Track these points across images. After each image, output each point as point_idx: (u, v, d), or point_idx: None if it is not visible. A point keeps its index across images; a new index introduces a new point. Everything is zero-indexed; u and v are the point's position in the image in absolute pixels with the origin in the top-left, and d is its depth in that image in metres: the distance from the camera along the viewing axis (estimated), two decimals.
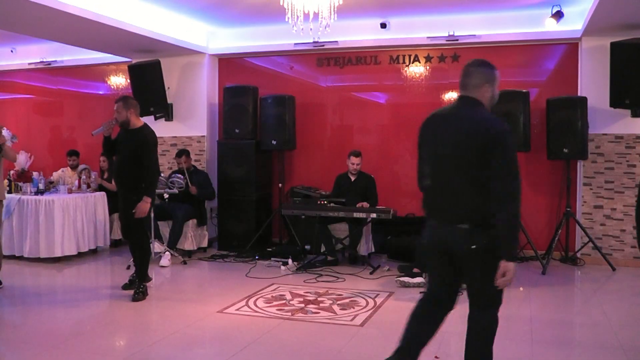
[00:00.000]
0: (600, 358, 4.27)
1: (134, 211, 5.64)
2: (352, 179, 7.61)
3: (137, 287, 5.79)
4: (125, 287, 6.04)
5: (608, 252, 7.35)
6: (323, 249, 7.40)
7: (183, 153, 8.09)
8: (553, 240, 7.37)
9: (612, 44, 6.74)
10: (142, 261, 5.86)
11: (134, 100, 6.03)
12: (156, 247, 7.37)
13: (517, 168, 3.11)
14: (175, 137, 9.05)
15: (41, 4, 5.98)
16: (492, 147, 3.09)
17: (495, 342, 4.56)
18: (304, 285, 6.32)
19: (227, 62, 9.21)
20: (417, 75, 8.40)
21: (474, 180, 3.13)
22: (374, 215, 6.94)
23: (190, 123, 9.04)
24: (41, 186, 7.83)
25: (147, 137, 5.76)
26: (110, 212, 8.26)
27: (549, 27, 7.34)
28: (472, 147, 3.13)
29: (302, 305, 5.53)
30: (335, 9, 5.77)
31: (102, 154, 8.70)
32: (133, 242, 5.88)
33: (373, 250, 7.62)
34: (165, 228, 7.70)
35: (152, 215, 7.05)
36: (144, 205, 5.65)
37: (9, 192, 7.89)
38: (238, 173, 8.38)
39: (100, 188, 8.42)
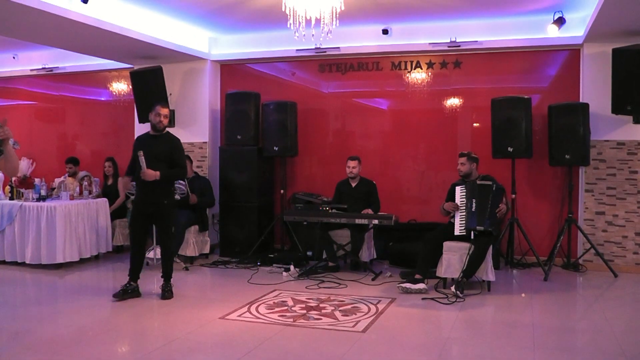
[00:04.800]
0: None
1: (165, 200, 6.04)
2: (353, 184, 7.61)
3: (166, 285, 6.08)
4: (117, 296, 5.96)
5: (610, 258, 7.33)
6: (324, 255, 7.39)
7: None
8: (555, 246, 7.36)
9: (614, 51, 6.74)
10: (170, 261, 6.18)
11: None
12: (158, 253, 7.36)
13: None
14: None
15: (43, 11, 6.01)
16: None
17: (497, 348, 4.57)
18: (306, 292, 6.31)
19: (229, 68, 9.23)
20: (419, 81, 8.42)
21: None
22: (375, 221, 6.94)
23: (192, 129, 9.05)
24: (43, 192, 7.83)
25: (178, 140, 6.24)
26: (113, 218, 8.27)
27: (551, 34, 7.36)
28: None
29: (304, 311, 5.52)
30: (337, 15, 5.78)
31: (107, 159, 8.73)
32: (164, 244, 6.16)
33: (375, 256, 7.62)
34: None
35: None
36: (154, 173, 5.85)
37: (11, 198, 7.91)
38: (240, 179, 8.38)
39: (104, 194, 8.44)
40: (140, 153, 5.82)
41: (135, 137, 6.61)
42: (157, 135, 6.10)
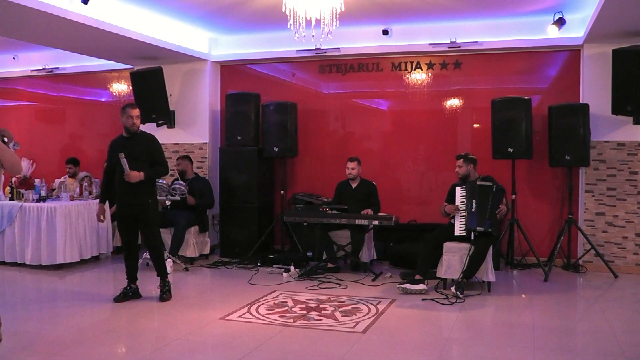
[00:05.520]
0: None
1: (150, 200, 5.93)
2: (353, 185, 7.61)
3: (163, 285, 5.99)
4: (117, 299, 5.95)
5: (610, 259, 7.33)
6: (325, 256, 7.39)
7: (185, 158, 8.17)
8: (555, 247, 7.36)
9: (614, 51, 6.74)
10: (162, 260, 6.07)
11: None
12: None
13: None
14: (177, 144, 9.06)
15: (43, 12, 6.01)
16: None
17: (498, 348, 4.57)
18: (306, 292, 6.31)
19: (229, 69, 9.23)
20: (419, 82, 8.41)
21: None
22: (376, 222, 6.94)
23: (192, 130, 9.05)
24: (43, 193, 7.83)
25: (155, 138, 6.10)
26: (113, 219, 8.26)
27: (551, 34, 7.35)
28: None
29: (304, 312, 5.52)
30: (338, 16, 5.78)
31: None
32: (151, 244, 6.04)
33: (375, 257, 7.62)
34: (167, 235, 7.67)
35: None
36: (138, 174, 5.77)
37: (11, 199, 7.90)
38: (240, 180, 8.38)
39: None
40: (122, 155, 5.71)
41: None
42: (132, 136, 5.93)
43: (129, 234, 6.05)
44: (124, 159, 5.72)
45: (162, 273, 6.06)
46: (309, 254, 7.80)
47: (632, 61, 6.61)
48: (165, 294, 5.96)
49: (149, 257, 7.19)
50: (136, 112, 5.91)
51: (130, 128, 5.89)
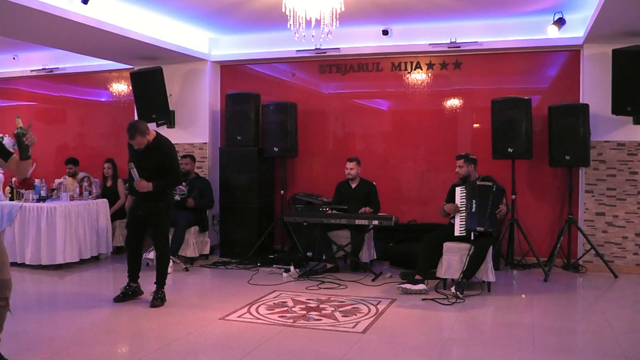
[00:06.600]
0: None
1: (160, 204, 5.84)
2: (353, 186, 7.61)
3: (157, 292, 5.85)
4: (117, 299, 5.93)
5: (610, 259, 7.33)
6: (324, 256, 7.39)
7: (187, 157, 8.18)
8: (555, 247, 7.36)
9: (614, 51, 6.74)
10: (165, 267, 5.96)
11: (142, 122, 5.89)
12: None
13: None
14: (177, 144, 8.98)
15: (43, 12, 6.01)
16: None
17: (497, 349, 4.57)
18: (306, 292, 6.31)
19: (229, 69, 9.23)
20: (419, 82, 8.41)
21: None
22: (376, 222, 6.94)
23: (192, 130, 9.05)
24: (43, 193, 7.83)
25: (169, 148, 5.92)
26: (112, 219, 8.27)
27: (551, 34, 7.35)
28: None
29: (304, 312, 5.52)
30: (337, 16, 5.78)
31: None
32: (159, 247, 5.95)
33: (375, 257, 7.61)
34: None
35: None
36: (147, 185, 5.71)
37: (11, 199, 7.90)
38: (240, 180, 8.38)
39: (103, 196, 8.45)
40: (132, 165, 5.69)
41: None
42: (146, 145, 5.80)
43: (136, 233, 5.99)
44: (134, 169, 5.71)
45: (161, 282, 5.91)
46: (309, 254, 7.80)
47: (632, 61, 6.62)
48: (157, 300, 5.78)
49: (149, 257, 7.20)
50: (136, 141, 5.67)
51: (138, 149, 5.77)
